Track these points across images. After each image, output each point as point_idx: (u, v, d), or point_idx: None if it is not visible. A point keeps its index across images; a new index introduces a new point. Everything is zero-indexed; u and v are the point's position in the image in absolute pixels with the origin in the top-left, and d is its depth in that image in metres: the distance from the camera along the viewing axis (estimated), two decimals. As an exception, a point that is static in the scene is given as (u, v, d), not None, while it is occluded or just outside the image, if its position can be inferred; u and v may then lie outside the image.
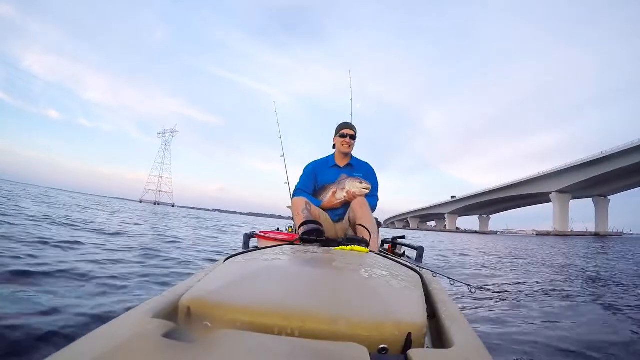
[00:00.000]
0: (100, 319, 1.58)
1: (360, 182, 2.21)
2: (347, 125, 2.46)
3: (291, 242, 1.79)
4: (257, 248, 1.81)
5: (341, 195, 2.24)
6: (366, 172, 2.51)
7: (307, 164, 2.55)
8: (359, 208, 2.16)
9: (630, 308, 2.75)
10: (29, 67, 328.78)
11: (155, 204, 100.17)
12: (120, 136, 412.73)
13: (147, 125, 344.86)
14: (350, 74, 3.74)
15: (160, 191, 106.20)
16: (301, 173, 2.55)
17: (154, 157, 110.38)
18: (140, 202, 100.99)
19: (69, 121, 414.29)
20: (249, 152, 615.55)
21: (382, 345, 0.64)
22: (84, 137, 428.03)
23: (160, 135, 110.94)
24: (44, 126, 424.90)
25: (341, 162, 2.49)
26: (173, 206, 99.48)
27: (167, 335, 0.56)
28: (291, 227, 2.69)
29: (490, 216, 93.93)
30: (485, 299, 2.85)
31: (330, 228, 2.31)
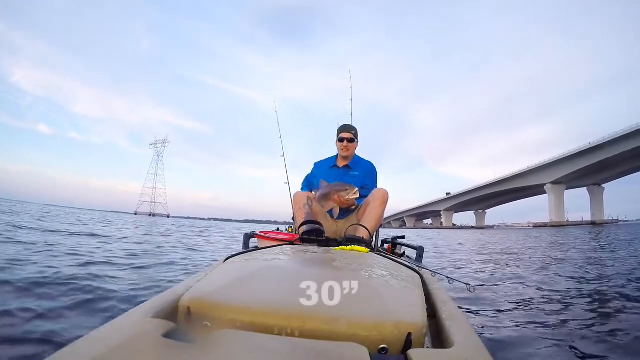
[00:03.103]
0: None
1: (346, 190, 2.03)
2: (345, 129, 2.47)
3: (291, 242, 1.79)
4: (257, 248, 1.81)
5: (329, 205, 2.20)
6: (364, 171, 2.52)
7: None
8: (378, 206, 2.10)
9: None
10: (18, 82, 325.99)
11: (150, 215, 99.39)
12: (112, 148, 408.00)
13: (138, 136, 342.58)
14: (351, 73, 3.73)
15: (155, 202, 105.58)
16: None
17: (146, 168, 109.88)
18: (136, 214, 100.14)
19: (59, 135, 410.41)
20: (242, 159, 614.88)
21: (382, 345, 0.65)
22: (75, 150, 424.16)
23: (152, 146, 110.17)
24: (35, 141, 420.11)
25: (340, 163, 2.53)
26: (168, 217, 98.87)
27: (167, 335, 0.56)
28: (291, 227, 2.69)
29: (486, 211, 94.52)
30: (485, 298, 2.85)
31: (331, 226, 2.31)
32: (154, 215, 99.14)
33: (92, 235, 7.13)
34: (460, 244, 11.68)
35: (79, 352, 0.51)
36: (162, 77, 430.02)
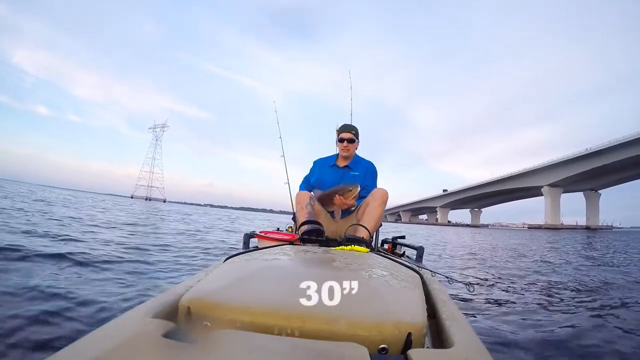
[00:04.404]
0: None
1: (350, 190, 2.06)
2: (345, 129, 2.45)
3: (291, 242, 1.79)
4: (257, 248, 1.81)
5: (334, 208, 2.19)
6: (365, 171, 2.49)
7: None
8: (377, 206, 2.08)
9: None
10: (19, 62, 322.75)
11: (146, 199, 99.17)
12: (111, 132, 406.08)
13: (137, 121, 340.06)
14: (350, 74, 3.71)
15: (151, 187, 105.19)
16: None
17: (144, 152, 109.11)
18: (132, 197, 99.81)
19: (59, 117, 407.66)
20: (240, 147, 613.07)
21: (382, 345, 0.65)
22: (74, 133, 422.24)
23: (151, 130, 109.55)
24: (33, 123, 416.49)
25: (341, 163, 2.51)
26: (164, 201, 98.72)
27: (167, 335, 0.56)
28: (291, 227, 2.69)
29: (482, 209, 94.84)
30: (485, 298, 2.87)
31: (331, 226, 2.30)
32: (150, 200, 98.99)
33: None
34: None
35: (79, 352, 0.51)
36: (165, 63, 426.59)
